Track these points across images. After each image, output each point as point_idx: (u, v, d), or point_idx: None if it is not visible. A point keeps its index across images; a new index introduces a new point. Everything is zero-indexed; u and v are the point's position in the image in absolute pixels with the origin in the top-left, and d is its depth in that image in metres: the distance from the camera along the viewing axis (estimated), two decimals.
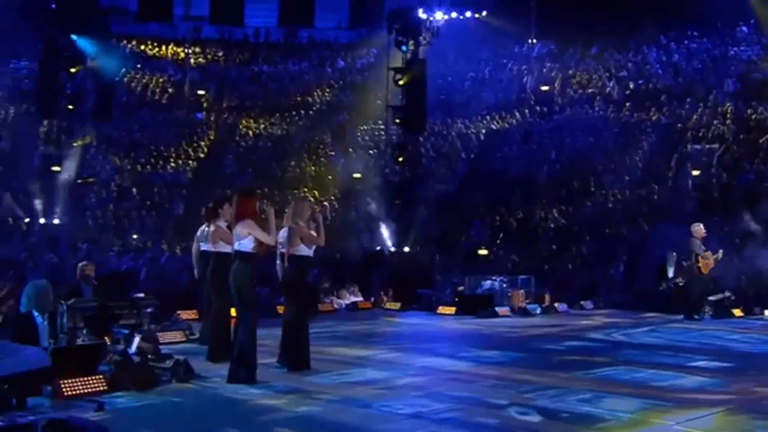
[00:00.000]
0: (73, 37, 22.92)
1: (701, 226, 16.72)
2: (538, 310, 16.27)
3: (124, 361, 7.47)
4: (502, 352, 11.38)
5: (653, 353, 11.21)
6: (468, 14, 32.32)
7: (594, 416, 7.11)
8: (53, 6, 24.06)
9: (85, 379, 6.95)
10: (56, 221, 22.77)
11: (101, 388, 7.00)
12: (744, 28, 26.07)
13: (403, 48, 22.97)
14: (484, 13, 32.13)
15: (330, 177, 28.22)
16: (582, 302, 18.04)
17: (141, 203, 26.78)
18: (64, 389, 6.75)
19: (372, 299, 18.19)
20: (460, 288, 16.78)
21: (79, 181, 23.65)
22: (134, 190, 27.02)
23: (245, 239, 7.86)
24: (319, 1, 35.95)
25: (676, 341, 12.80)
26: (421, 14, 29.18)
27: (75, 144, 24.16)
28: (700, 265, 16.27)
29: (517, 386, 8.45)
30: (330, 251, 23.46)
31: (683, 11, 28.25)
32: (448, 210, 26.66)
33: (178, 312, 12.77)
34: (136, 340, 8.10)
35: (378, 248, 23.48)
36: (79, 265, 10.97)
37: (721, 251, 16.54)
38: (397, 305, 16.85)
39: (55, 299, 8.47)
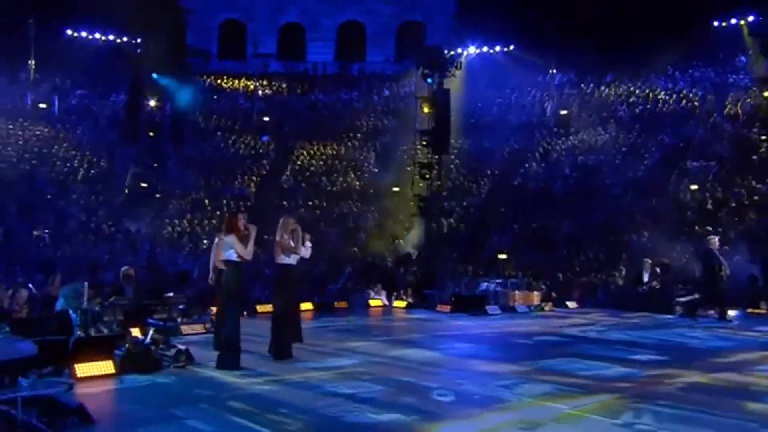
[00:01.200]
0: (154, 75, 23.97)
1: (716, 238, 16.48)
2: (526, 310, 16.18)
3: (133, 350, 7.89)
4: (474, 345, 11.45)
5: (608, 348, 11.02)
6: (498, 48, 32.40)
7: (500, 398, 7.18)
8: (138, 50, 25.16)
9: (98, 363, 7.43)
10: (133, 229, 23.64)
11: (110, 371, 7.48)
12: (743, 58, 25.43)
13: (429, 80, 23.11)
14: (512, 47, 32.06)
15: (372, 190, 28.50)
16: (568, 302, 17.83)
17: (212, 213, 27.58)
18: (78, 371, 7.27)
19: (394, 297, 18.36)
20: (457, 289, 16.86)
21: (157, 195, 24.48)
22: (206, 201, 27.79)
23: (230, 250, 8.22)
24: (370, 40, 36.45)
25: (639, 338, 12.50)
26: (451, 51, 29.62)
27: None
28: (722, 273, 16.01)
29: (458, 373, 8.55)
30: (364, 255, 24.06)
31: (690, 44, 27.66)
32: (475, 219, 26.78)
33: (211, 308, 13.21)
34: (151, 332, 8.51)
35: (407, 252, 23.72)
36: (122, 269, 11.52)
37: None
38: (403, 303, 16.94)
39: (86, 298, 8.97)
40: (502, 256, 24.10)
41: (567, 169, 27.40)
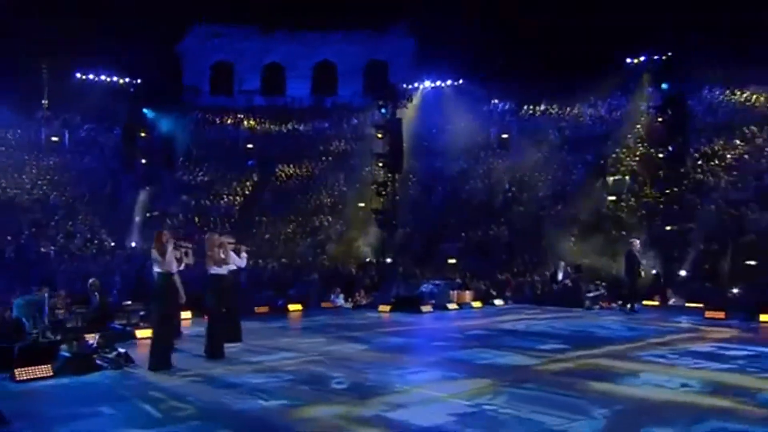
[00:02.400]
0: (144, 110, 23.99)
1: (638, 241, 16.75)
2: (457, 308, 16.19)
3: (75, 353, 7.87)
4: (404, 339, 11.42)
5: (524, 339, 11.09)
6: (449, 82, 32.59)
7: (388, 385, 7.22)
8: (132, 89, 25.15)
9: (37, 367, 7.39)
10: (133, 244, 23.53)
11: (48, 374, 7.43)
12: (650, 89, 25.71)
13: (383, 111, 23.29)
14: (461, 81, 32.27)
15: (340, 206, 28.54)
16: (496, 300, 17.83)
17: (200, 230, 27.50)
18: (18, 375, 7.23)
19: (350, 300, 18.26)
20: (397, 291, 16.82)
21: (147, 215, 24.40)
22: (196, 219, 27.73)
23: (155, 263, 8.22)
24: (341, 77, 36.66)
25: (558, 329, 12.53)
26: (409, 85, 29.84)
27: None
28: (642, 270, 16.29)
29: (370, 364, 8.55)
30: (330, 263, 24.05)
31: (608, 77, 27.97)
32: (428, 229, 26.85)
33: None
34: (97, 336, 8.50)
35: (367, 260, 23.73)
36: (89, 280, 11.49)
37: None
38: (350, 305, 16.83)
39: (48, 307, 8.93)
40: (452, 261, 24.24)
41: (507, 184, 27.53)
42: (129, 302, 11.31)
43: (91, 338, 8.69)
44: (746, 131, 24.14)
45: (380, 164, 23.29)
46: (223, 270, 9.25)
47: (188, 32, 36.89)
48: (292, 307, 15.93)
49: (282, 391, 6.90)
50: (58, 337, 8.46)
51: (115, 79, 32.14)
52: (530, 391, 6.93)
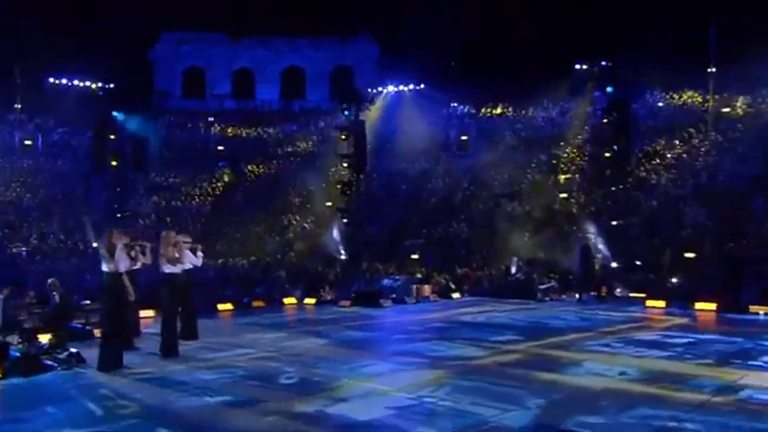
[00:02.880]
0: (114, 113, 23.27)
1: (593, 235, 16.76)
2: (414, 301, 15.98)
3: (22, 354, 7.44)
4: (363, 333, 11.18)
5: (481, 330, 10.95)
6: (411, 87, 32.41)
7: (336, 380, 6.99)
8: (101, 93, 24.38)
9: None
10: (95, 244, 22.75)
11: None
12: (597, 93, 25.88)
13: (346, 113, 23.00)
14: (422, 85, 32.14)
15: (308, 205, 28.13)
16: (453, 294, 17.67)
17: (172, 229, 26.88)
18: None
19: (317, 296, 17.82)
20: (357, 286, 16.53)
21: (118, 215, 23.69)
22: (168, 219, 27.07)
23: (103, 262, 7.80)
24: (309, 81, 36.23)
25: (516, 320, 12.42)
26: (374, 90, 29.57)
27: None
28: (595, 263, 16.32)
29: (321, 359, 8.27)
30: (299, 260, 23.67)
31: (559, 82, 28.11)
32: (392, 226, 26.62)
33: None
34: (48, 337, 8.07)
35: (333, 257, 23.38)
36: (49, 280, 10.99)
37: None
38: (312, 301, 16.41)
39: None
40: (414, 257, 24.06)
41: (465, 183, 27.47)
42: (87, 302, 10.83)
43: (44, 339, 8.28)
44: (684, 133, 24.45)
45: (345, 164, 22.97)
46: (177, 268, 8.85)
47: (159, 39, 36.03)
48: (256, 303, 15.50)
49: (229, 388, 6.61)
50: (8, 339, 7.98)
51: (87, 83, 31.36)
52: (474, 382, 6.75)
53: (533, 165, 26.99)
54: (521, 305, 15.13)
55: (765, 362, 7.87)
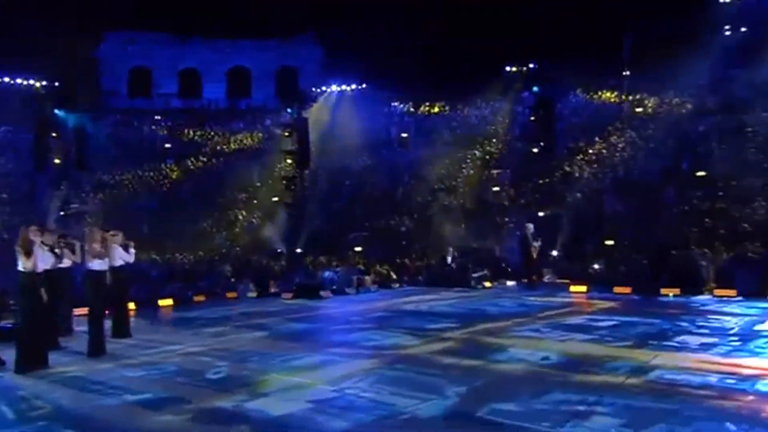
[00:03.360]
0: (56, 111, 21.91)
1: (532, 225, 16.76)
2: (355, 292, 15.68)
3: None
4: (305, 324, 10.82)
5: (421, 319, 10.71)
6: (354, 86, 31.95)
7: (264, 373, 6.71)
8: (43, 91, 22.91)
9: None
10: None
11: None
12: (525, 94, 26.18)
13: (289, 110, 22.43)
14: (364, 85, 31.74)
15: (255, 200, 27.38)
16: (393, 284, 17.46)
17: (119, 226, 25.65)
18: None
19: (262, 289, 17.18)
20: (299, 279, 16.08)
21: (62, 213, 22.39)
22: (113, 217, 25.79)
23: (19, 261, 7.16)
24: (254, 81, 35.20)
25: (457, 308, 12.19)
26: (318, 89, 29.00)
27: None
28: (532, 251, 16.27)
29: (255, 353, 7.92)
30: (245, 255, 23.00)
31: (491, 82, 28.25)
32: (337, 220, 26.23)
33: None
34: None
35: (279, 250, 22.84)
36: None
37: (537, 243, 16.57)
38: (255, 294, 15.89)
39: None
40: (358, 249, 23.75)
41: (406, 178, 27.32)
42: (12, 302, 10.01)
43: None
44: (603, 131, 25.00)
45: (288, 161, 22.39)
46: (104, 265, 8.25)
47: (104, 39, 34.21)
48: (197, 298, 14.82)
49: (153, 385, 6.17)
50: None
51: (31, 82, 29.55)
52: (400, 371, 6.52)
53: (468, 160, 27.14)
54: (462, 293, 15.01)
55: (678, 342, 7.96)
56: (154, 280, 17.11)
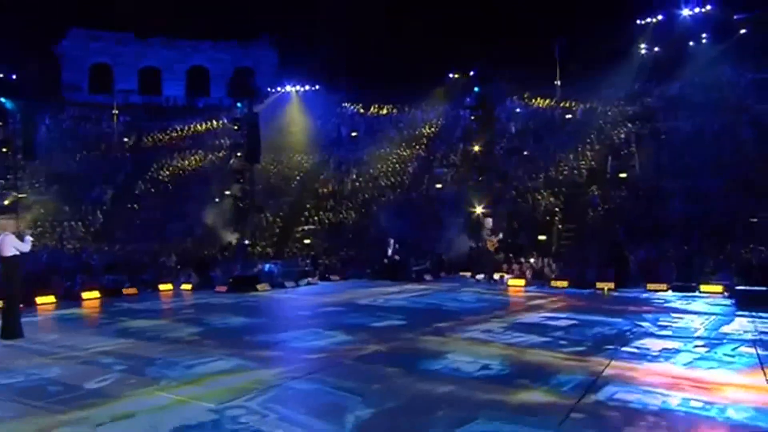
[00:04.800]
0: (2, 99, 19.02)
1: (490, 219, 15.16)
2: (294, 285, 13.79)
3: None
4: (249, 319, 8.96)
5: (370, 316, 8.89)
6: (307, 87, 30.03)
7: (152, 381, 4.92)
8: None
9: None
10: None
11: None
12: (468, 99, 24.86)
13: (239, 105, 20.28)
14: (317, 86, 29.87)
15: (208, 193, 24.95)
16: (331, 276, 15.66)
17: (72, 217, 22.95)
18: None
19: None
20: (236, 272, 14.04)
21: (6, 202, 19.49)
22: (66, 208, 23.09)
23: None
24: (213, 80, 32.73)
25: (413, 303, 10.45)
26: (272, 89, 26.91)
27: None
28: (488, 245, 14.61)
29: (167, 353, 6.15)
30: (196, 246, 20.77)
31: (436, 88, 26.87)
32: (288, 213, 24.26)
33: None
34: None
35: (228, 242, 20.68)
36: None
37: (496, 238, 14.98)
38: (189, 286, 13.78)
39: None
40: (306, 241, 21.91)
41: (354, 174, 25.57)
42: None
43: None
44: (537, 134, 23.97)
45: (238, 154, 20.23)
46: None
47: (66, 34, 31.03)
48: (127, 291, 12.59)
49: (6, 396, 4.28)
50: None
51: None
52: (309, 385, 4.83)
53: (413, 159, 25.63)
54: (427, 287, 13.20)
55: (637, 348, 6.41)
56: (94, 270, 14.85)
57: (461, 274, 15.28)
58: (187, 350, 6.38)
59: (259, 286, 12.59)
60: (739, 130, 20.76)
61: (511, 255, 16.32)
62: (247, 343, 6.88)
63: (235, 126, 19.88)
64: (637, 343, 6.66)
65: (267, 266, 14.17)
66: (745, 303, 9.21)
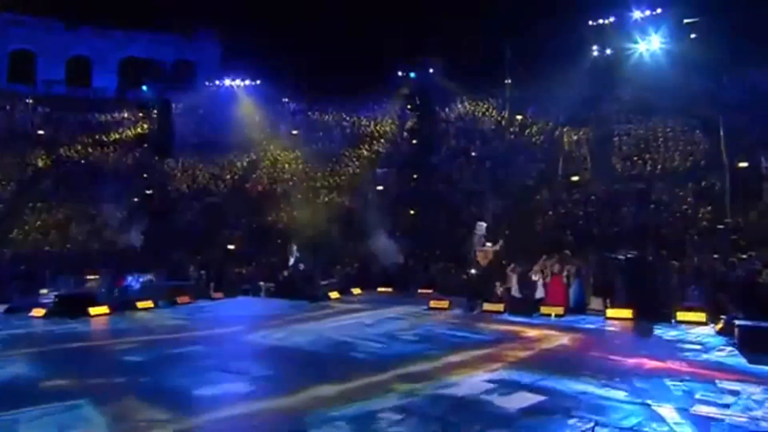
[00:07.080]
0: None
1: (484, 225, 11.20)
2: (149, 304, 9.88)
3: None
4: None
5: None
6: (247, 81, 25.96)
7: None
8: None
9: None
10: None
11: None
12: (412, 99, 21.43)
13: (144, 87, 16.32)
14: (258, 81, 25.88)
15: (122, 194, 20.65)
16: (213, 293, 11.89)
17: None
18: None
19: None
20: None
21: None
22: None
23: None
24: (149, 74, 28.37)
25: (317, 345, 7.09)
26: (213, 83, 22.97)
27: None
28: (478, 257, 10.59)
29: None
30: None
31: (383, 86, 23.40)
32: (214, 215, 20.23)
33: None
34: None
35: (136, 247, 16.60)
36: None
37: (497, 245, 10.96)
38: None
39: None
40: (231, 247, 17.99)
41: (289, 174, 21.75)
42: None
43: None
44: (485, 135, 20.77)
45: (145, 145, 16.18)
46: None
47: None
48: None
49: None
50: None
51: None
52: None
53: (354, 159, 22.01)
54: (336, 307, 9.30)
55: None
56: None
57: (379, 289, 11.56)
58: None
59: (92, 310, 8.57)
60: (691, 135, 18.27)
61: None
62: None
63: (140, 113, 15.84)
64: None
65: (129, 279, 10.16)
66: (753, 347, 5.84)
